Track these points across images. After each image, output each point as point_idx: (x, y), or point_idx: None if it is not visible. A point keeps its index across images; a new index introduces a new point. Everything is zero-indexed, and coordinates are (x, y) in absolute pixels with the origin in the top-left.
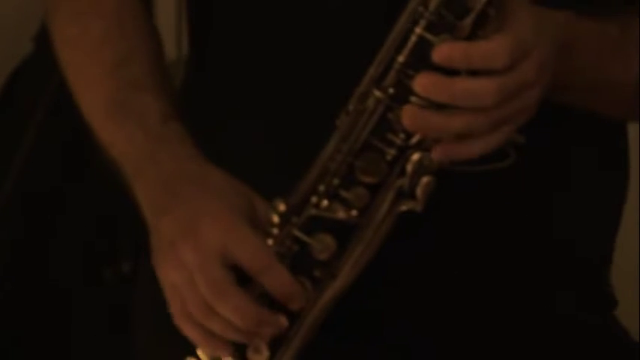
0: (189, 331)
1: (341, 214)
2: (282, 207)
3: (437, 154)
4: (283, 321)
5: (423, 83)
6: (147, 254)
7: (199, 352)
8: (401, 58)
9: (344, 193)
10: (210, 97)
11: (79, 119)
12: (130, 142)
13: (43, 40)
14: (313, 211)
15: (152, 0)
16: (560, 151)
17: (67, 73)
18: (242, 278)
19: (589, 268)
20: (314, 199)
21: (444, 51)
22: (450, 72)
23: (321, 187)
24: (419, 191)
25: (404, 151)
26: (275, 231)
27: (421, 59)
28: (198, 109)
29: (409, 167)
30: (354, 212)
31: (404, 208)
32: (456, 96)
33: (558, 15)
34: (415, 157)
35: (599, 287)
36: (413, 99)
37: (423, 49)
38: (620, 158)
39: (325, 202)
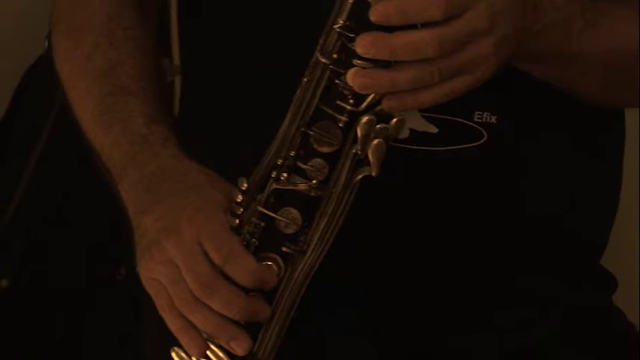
0: (170, 322)
1: (301, 186)
2: (244, 185)
3: (387, 104)
4: (268, 310)
5: (362, 44)
6: None
7: None
8: (341, 22)
9: (302, 165)
10: (197, 105)
11: None
12: (116, 146)
13: None
14: (274, 186)
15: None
16: (532, 131)
17: (64, 87)
18: None
19: (566, 247)
20: (274, 174)
21: (379, 10)
22: (392, 31)
23: (280, 161)
24: (370, 154)
25: (355, 117)
26: (240, 210)
27: (361, 21)
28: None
29: (359, 131)
30: (313, 183)
31: (360, 175)
32: (397, 50)
33: None
34: (364, 119)
35: (583, 266)
36: (357, 62)
37: (361, 10)
38: (598, 140)
39: (285, 175)
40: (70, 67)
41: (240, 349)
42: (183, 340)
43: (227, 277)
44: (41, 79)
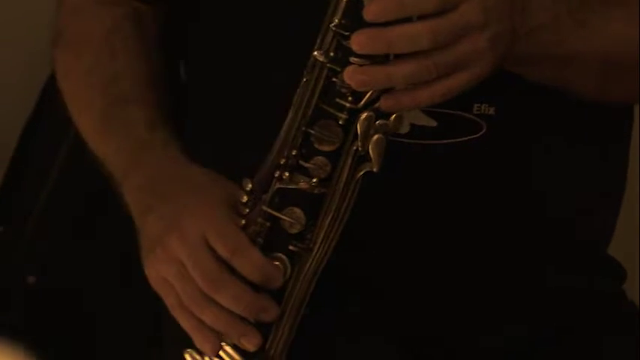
0: (183, 321)
1: (304, 185)
2: (249, 185)
3: (384, 104)
4: (275, 308)
5: (358, 40)
6: None
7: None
8: (336, 20)
9: (304, 164)
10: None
11: None
12: (119, 152)
13: None
14: (278, 185)
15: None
16: (530, 121)
17: (65, 100)
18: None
19: (574, 239)
20: (277, 173)
21: (375, 8)
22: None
23: (283, 160)
24: (371, 150)
25: (354, 114)
26: (246, 210)
27: (356, 19)
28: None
29: (359, 128)
30: (314, 181)
31: (362, 171)
32: (393, 42)
33: None
34: (363, 116)
35: (594, 259)
36: (353, 59)
37: (355, 8)
38: (599, 128)
39: (287, 175)
40: (72, 79)
41: (250, 345)
42: (196, 339)
43: (234, 273)
44: None
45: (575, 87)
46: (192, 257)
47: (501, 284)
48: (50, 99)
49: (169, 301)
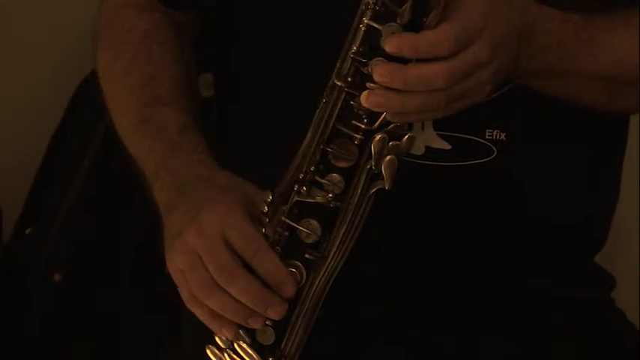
0: (197, 312)
1: (319, 199)
2: (269, 197)
3: (392, 117)
4: (282, 305)
5: (379, 72)
6: None
7: (217, 339)
8: (354, 48)
9: (320, 180)
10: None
11: None
12: (151, 152)
13: None
14: (296, 198)
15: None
16: (538, 146)
17: (104, 96)
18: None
19: (567, 246)
20: (296, 187)
21: (393, 43)
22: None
23: (301, 175)
24: (383, 169)
25: (369, 135)
26: (267, 219)
27: (372, 47)
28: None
29: (373, 148)
30: (330, 196)
31: (374, 188)
32: (410, 82)
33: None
34: (377, 137)
35: (581, 265)
36: (370, 85)
37: (373, 38)
38: (601, 148)
39: (304, 189)
40: (110, 78)
41: (256, 324)
42: (214, 328)
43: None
44: (94, 91)
45: (584, 100)
46: (208, 250)
47: (504, 293)
48: (79, 104)
49: (184, 295)
